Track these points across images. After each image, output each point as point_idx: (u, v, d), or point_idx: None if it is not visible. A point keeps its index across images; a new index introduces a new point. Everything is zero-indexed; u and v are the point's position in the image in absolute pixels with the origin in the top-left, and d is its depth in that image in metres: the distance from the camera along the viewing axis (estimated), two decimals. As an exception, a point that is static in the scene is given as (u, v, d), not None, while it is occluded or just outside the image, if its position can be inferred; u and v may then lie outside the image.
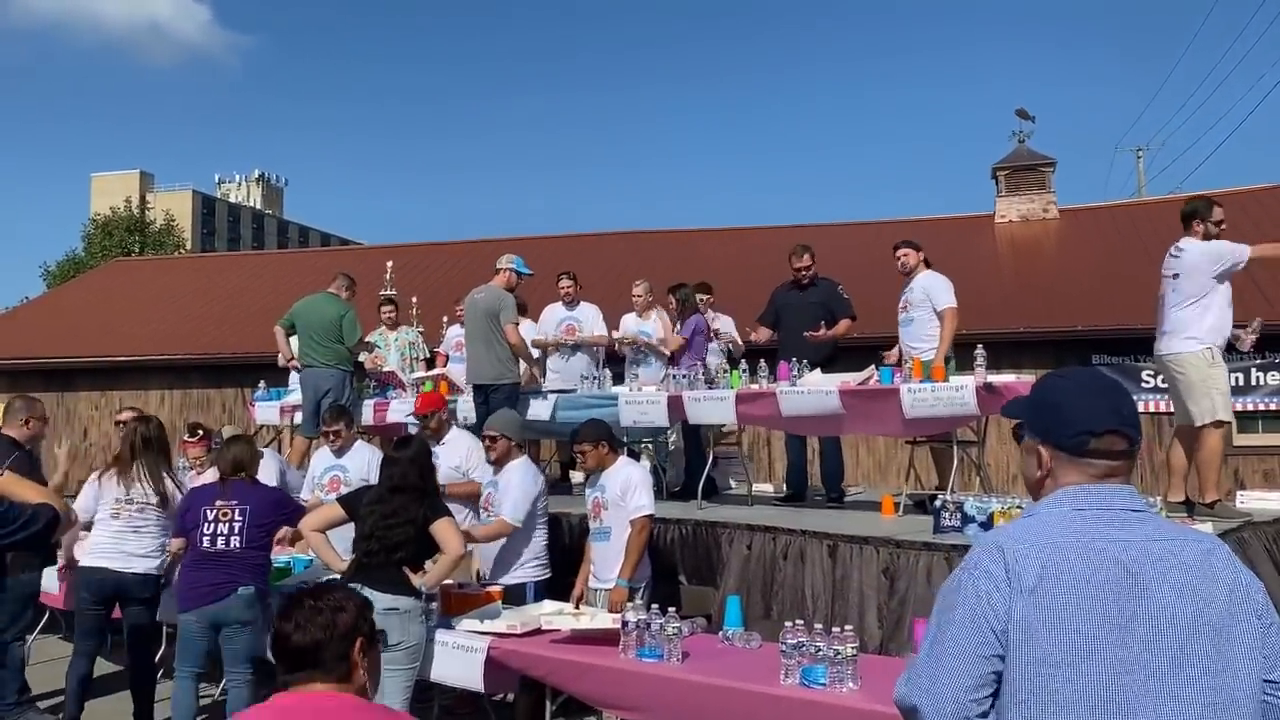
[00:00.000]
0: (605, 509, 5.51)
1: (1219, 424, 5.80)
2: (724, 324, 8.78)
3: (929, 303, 6.84)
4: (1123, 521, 1.76)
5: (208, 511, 5.25)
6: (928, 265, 7.06)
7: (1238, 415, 12.70)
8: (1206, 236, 5.98)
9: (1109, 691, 1.64)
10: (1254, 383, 12.60)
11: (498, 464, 5.82)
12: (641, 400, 7.24)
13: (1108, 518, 1.76)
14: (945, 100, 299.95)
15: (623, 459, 5.72)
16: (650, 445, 8.56)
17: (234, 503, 5.27)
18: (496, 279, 7.64)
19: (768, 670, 3.92)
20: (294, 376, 9.14)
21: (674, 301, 8.16)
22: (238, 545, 5.17)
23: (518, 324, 7.43)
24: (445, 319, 10.22)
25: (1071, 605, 1.67)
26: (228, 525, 5.21)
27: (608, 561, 5.45)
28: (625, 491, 5.45)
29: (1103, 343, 13.08)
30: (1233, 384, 12.34)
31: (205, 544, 5.18)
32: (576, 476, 8.44)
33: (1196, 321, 5.84)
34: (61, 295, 23.04)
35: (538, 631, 4.68)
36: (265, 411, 9.66)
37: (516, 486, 5.63)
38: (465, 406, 8.15)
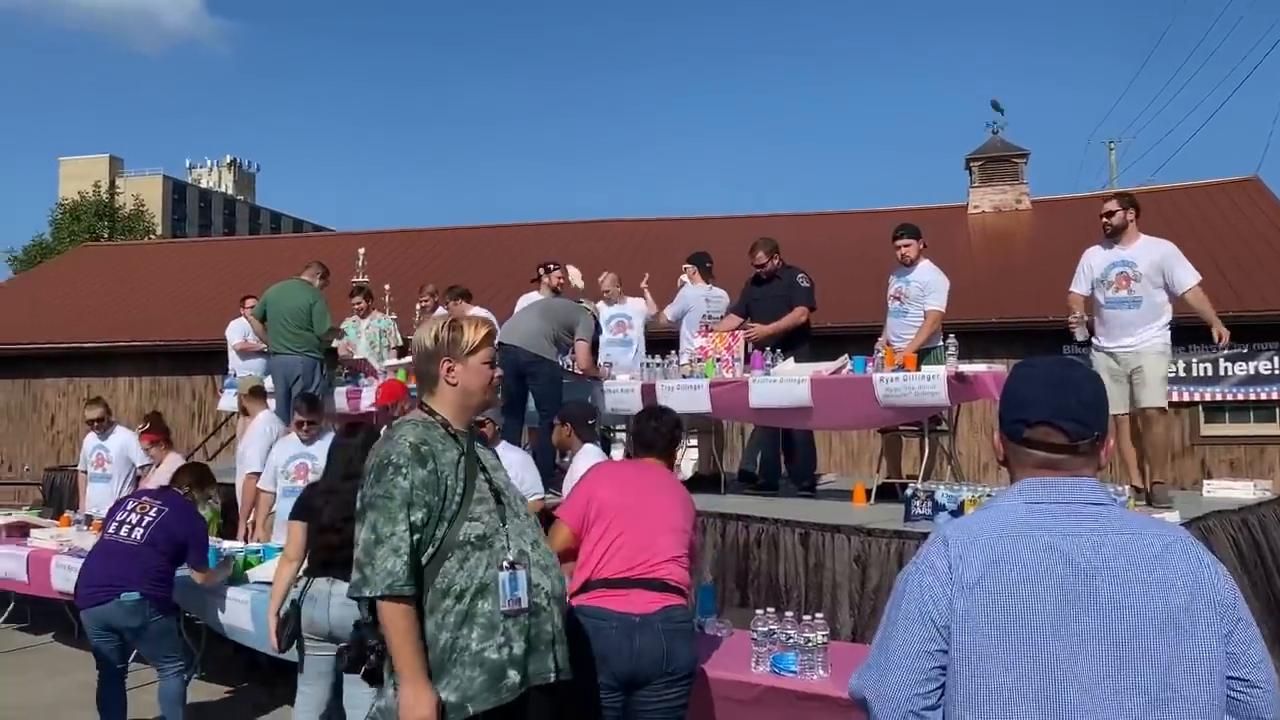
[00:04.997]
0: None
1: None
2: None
3: (925, 298, 6.90)
4: (1076, 515, 1.72)
5: (130, 502, 5.24)
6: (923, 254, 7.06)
7: (1205, 405, 12.87)
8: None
9: (1047, 686, 1.60)
10: (1221, 373, 12.72)
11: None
12: (616, 389, 7.27)
13: (1062, 511, 1.73)
14: (920, 91, 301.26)
15: (587, 448, 5.53)
16: (622, 431, 8.52)
17: (157, 503, 5.17)
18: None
19: (739, 657, 3.93)
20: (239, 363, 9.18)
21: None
22: (139, 537, 4.99)
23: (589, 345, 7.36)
24: (418, 308, 10.13)
25: (1009, 599, 1.64)
26: (139, 517, 5.09)
27: None
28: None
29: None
30: (1201, 375, 12.62)
31: (110, 530, 5.13)
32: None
33: None
34: (29, 280, 22.74)
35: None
36: (227, 399, 9.63)
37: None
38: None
